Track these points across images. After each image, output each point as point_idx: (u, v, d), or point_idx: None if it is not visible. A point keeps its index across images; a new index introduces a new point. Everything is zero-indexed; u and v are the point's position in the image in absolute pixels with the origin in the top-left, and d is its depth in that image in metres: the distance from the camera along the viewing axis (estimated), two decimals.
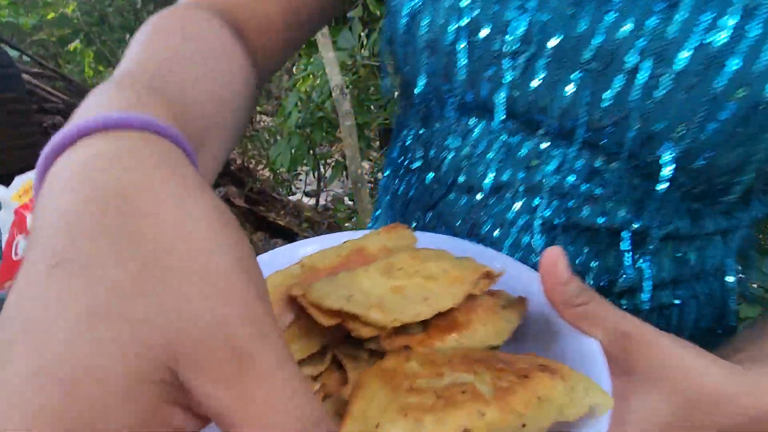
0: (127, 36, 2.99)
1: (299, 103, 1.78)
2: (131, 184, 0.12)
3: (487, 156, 0.31)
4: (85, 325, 0.10)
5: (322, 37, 1.38)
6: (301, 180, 3.54)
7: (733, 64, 0.24)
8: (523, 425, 0.17)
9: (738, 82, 0.24)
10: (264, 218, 3.11)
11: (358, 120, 1.76)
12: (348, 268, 0.24)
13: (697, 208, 0.30)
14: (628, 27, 0.26)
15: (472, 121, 0.32)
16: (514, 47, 0.28)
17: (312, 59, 1.65)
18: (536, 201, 0.31)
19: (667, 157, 0.27)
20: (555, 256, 0.22)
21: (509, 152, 0.31)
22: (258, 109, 4.00)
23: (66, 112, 3.42)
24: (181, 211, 0.11)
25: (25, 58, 3.40)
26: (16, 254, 0.63)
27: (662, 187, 0.28)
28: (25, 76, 3.11)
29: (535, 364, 0.19)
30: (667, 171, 0.27)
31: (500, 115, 0.30)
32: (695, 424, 0.23)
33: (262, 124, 4.62)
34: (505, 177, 0.31)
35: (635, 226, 0.29)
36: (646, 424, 0.22)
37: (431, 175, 0.35)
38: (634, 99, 0.26)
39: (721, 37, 0.24)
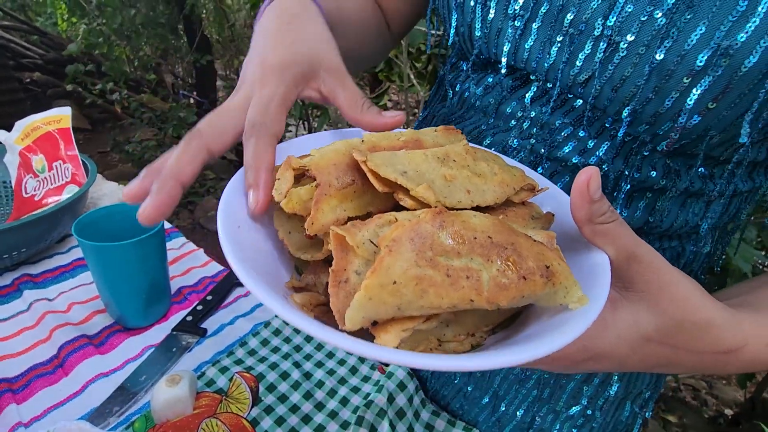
0: None
1: None
2: (288, 12, 0.33)
3: (495, 93, 0.38)
4: (271, 43, 0.31)
5: None
6: (290, 131, 3.52)
7: (669, 41, 0.28)
8: (498, 308, 0.22)
9: (676, 53, 0.27)
10: None
11: None
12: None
13: (673, 165, 0.34)
14: (596, 1, 0.30)
15: (484, 78, 0.39)
16: (515, 12, 0.34)
17: None
18: (531, 131, 0.36)
19: (625, 112, 0.31)
20: (589, 175, 0.23)
21: (513, 94, 0.37)
22: (243, 58, 3.88)
23: (45, 68, 3.33)
24: (306, 21, 0.33)
25: None
26: (26, 192, 0.68)
27: (621, 134, 0.32)
28: None
29: (542, 264, 0.22)
30: (624, 122, 0.31)
31: (504, 67, 0.36)
32: (672, 344, 0.26)
33: None
34: (508, 109, 0.38)
35: (605, 167, 0.34)
36: (626, 331, 0.25)
37: (455, 100, 0.43)
38: (597, 62, 0.31)
39: (659, 16, 0.28)
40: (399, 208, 0.24)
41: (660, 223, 0.36)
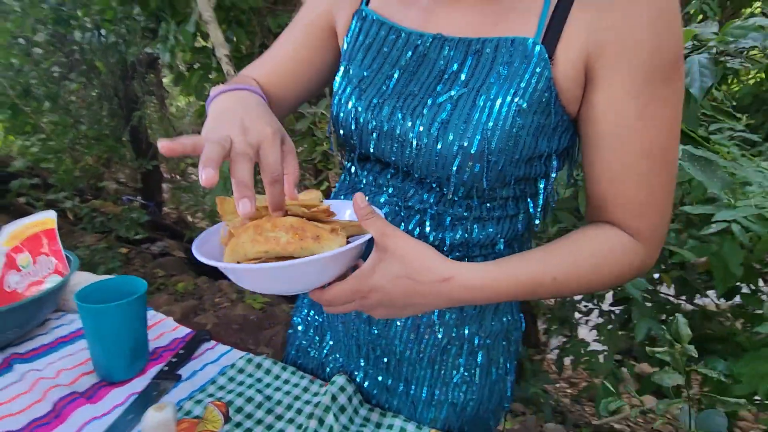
0: (46, 103, 3.03)
1: None
2: (229, 105, 0.54)
3: (373, 172, 0.62)
4: (215, 123, 0.50)
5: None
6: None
7: (438, 145, 0.52)
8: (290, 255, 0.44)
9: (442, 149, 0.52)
10: (206, 265, 3.18)
11: None
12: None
13: (470, 203, 0.57)
14: (399, 116, 0.55)
15: (366, 165, 0.63)
16: (371, 128, 0.58)
17: None
18: (395, 193, 0.60)
19: (433, 179, 0.55)
20: (361, 197, 0.45)
21: (381, 172, 0.61)
22: (189, 161, 4.09)
23: None
24: (234, 106, 0.52)
25: None
26: (8, 287, 0.79)
27: (437, 189, 0.56)
28: None
29: (315, 235, 0.45)
30: (434, 184, 0.56)
31: (373, 158, 0.61)
32: (415, 278, 0.45)
33: (194, 177, 4.65)
34: (381, 180, 0.61)
35: (434, 209, 0.57)
36: (383, 277, 0.45)
37: (352, 178, 0.66)
38: (407, 155, 0.55)
39: (421, 129, 0.53)
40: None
41: (472, 238, 0.58)
